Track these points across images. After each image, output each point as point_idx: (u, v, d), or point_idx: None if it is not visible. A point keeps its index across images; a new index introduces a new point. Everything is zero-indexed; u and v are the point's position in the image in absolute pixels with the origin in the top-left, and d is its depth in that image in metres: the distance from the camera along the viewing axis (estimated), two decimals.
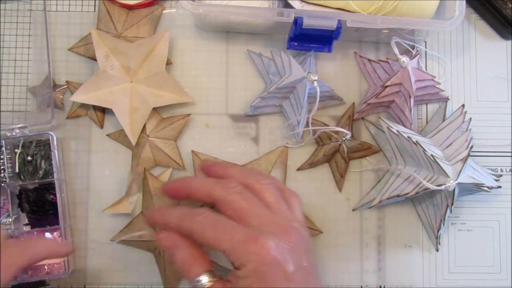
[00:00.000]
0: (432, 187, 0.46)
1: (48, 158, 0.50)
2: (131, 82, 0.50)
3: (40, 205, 0.49)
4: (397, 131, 0.49)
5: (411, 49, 0.52)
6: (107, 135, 0.52)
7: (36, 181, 0.49)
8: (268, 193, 0.41)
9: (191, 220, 0.39)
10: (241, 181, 0.42)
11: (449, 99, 0.54)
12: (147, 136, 0.51)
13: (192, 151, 0.51)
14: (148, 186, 0.49)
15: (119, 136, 0.51)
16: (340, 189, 0.52)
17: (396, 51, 0.50)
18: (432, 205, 0.50)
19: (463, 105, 0.52)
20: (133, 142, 0.50)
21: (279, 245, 0.37)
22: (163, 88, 0.50)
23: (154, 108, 0.50)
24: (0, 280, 0.38)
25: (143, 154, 0.51)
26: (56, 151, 0.49)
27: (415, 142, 0.47)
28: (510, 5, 0.53)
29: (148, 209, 0.49)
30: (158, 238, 0.41)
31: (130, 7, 0.52)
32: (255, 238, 0.37)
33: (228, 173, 0.43)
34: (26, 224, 0.50)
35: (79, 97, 0.49)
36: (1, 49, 0.52)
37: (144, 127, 0.50)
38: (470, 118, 0.51)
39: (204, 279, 0.39)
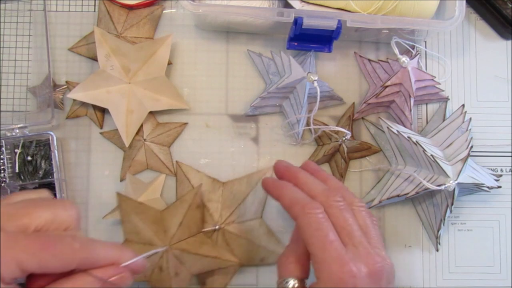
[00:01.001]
0: (432, 187, 0.46)
1: (48, 158, 0.50)
2: (129, 83, 0.50)
3: None
4: (397, 131, 0.49)
5: (411, 49, 0.52)
6: (101, 133, 0.52)
7: (36, 181, 0.49)
8: (361, 215, 0.41)
9: (302, 209, 0.39)
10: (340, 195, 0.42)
11: (449, 99, 0.54)
12: (144, 139, 0.51)
13: (177, 162, 0.51)
14: (127, 208, 0.47)
15: (114, 136, 0.51)
16: None
17: (396, 51, 0.50)
18: (432, 205, 0.50)
19: (463, 105, 0.52)
20: (127, 144, 0.50)
21: (362, 274, 0.37)
22: (160, 93, 0.50)
23: (150, 112, 0.50)
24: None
25: (136, 157, 0.51)
26: (56, 151, 0.50)
27: (415, 142, 0.47)
28: (510, 5, 0.53)
29: (133, 231, 0.47)
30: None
31: (130, 7, 0.52)
32: (343, 261, 0.37)
33: (329, 185, 0.43)
34: None
35: (77, 94, 0.49)
36: (1, 49, 0.52)
37: (141, 130, 0.51)
38: (470, 118, 0.51)
39: (291, 282, 0.40)
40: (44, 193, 0.37)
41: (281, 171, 0.44)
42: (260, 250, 0.49)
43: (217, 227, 0.49)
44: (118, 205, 0.48)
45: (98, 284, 0.33)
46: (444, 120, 0.52)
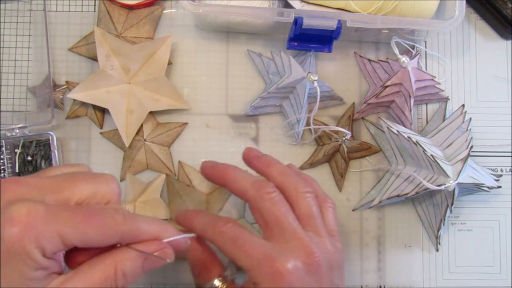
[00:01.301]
0: (432, 187, 0.46)
1: (48, 158, 0.50)
2: (129, 83, 0.50)
3: None
4: (397, 131, 0.49)
5: (411, 49, 0.52)
6: (101, 133, 0.52)
7: None
8: (304, 203, 0.39)
9: (214, 230, 0.38)
10: (279, 183, 0.40)
11: (449, 99, 0.54)
12: (144, 140, 0.51)
13: (179, 162, 0.51)
14: (174, 189, 0.49)
15: (113, 136, 0.51)
16: (340, 189, 0.52)
17: (396, 51, 0.50)
18: (432, 205, 0.50)
19: (463, 105, 0.52)
20: (127, 144, 0.50)
21: (297, 268, 0.35)
22: (160, 93, 0.50)
23: (150, 112, 0.50)
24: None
25: (137, 157, 0.51)
26: (56, 151, 0.50)
27: (415, 142, 0.47)
28: (510, 5, 0.53)
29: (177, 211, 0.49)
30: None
31: (130, 7, 0.52)
32: (272, 259, 0.35)
33: (269, 172, 0.41)
34: None
35: (76, 94, 0.49)
36: (1, 49, 0.52)
37: (141, 130, 0.51)
38: (470, 118, 0.51)
39: (214, 285, 0.39)
40: (84, 167, 0.36)
41: (208, 172, 0.43)
42: None
43: None
44: (167, 185, 0.50)
45: (140, 258, 0.32)
46: (444, 120, 0.52)
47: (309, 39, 0.49)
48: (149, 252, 0.32)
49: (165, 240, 0.33)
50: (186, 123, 0.52)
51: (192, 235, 0.35)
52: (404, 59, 0.49)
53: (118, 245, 0.32)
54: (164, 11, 0.53)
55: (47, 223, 0.28)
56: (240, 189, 0.40)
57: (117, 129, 0.50)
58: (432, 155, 0.46)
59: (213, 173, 0.43)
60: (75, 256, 0.31)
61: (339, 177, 0.52)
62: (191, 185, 0.50)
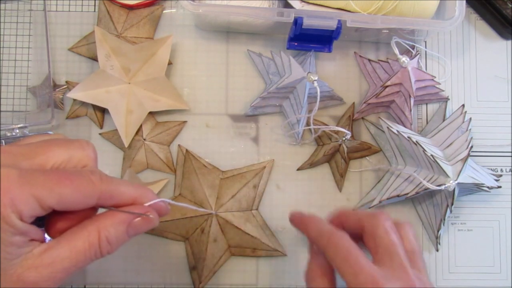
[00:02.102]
0: (432, 187, 0.46)
1: None
2: (129, 83, 0.50)
3: None
4: (397, 131, 0.49)
5: (411, 49, 0.52)
6: (100, 134, 0.52)
7: None
8: (407, 241, 0.39)
9: (329, 240, 0.38)
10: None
11: (449, 99, 0.54)
12: (144, 139, 0.51)
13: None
14: (192, 166, 0.50)
15: (113, 137, 0.51)
16: (340, 189, 0.52)
17: (396, 51, 0.50)
18: (432, 205, 0.50)
19: (463, 105, 0.52)
20: (126, 144, 0.50)
21: None
22: (160, 93, 0.50)
23: (150, 112, 0.50)
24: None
25: (137, 157, 0.51)
26: None
27: (415, 142, 0.47)
28: (510, 5, 0.53)
29: (189, 188, 0.50)
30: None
31: (130, 7, 0.52)
32: (377, 283, 0.35)
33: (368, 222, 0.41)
34: None
35: (76, 94, 0.50)
36: (1, 49, 0.52)
37: (140, 130, 0.51)
38: (470, 118, 0.51)
39: None
40: (59, 135, 0.35)
41: (296, 222, 0.44)
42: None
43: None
44: (184, 162, 0.51)
45: (124, 224, 0.32)
46: (444, 120, 0.52)
47: (309, 39, 0.49)
48: (132, 218, 0.32)
49: (147, 204, 0.33)
50: (185, 121, 0.52)
51: (169, 201, 0.35)
52: (404, 59, 0.49)
53: (102, 211, 0.32)
54: (164, 11, 0.53)
55: (21, 186, 0.28)
56: (313, 237, 0.40)
57: (116, 130, 0.50)
58: (432, 155, 0.46)
59: (299, 222, 0.43)
60: (55, 223, 0.31)
61: (339, 177, 0.52)
62: (207, 166, 0.51)
